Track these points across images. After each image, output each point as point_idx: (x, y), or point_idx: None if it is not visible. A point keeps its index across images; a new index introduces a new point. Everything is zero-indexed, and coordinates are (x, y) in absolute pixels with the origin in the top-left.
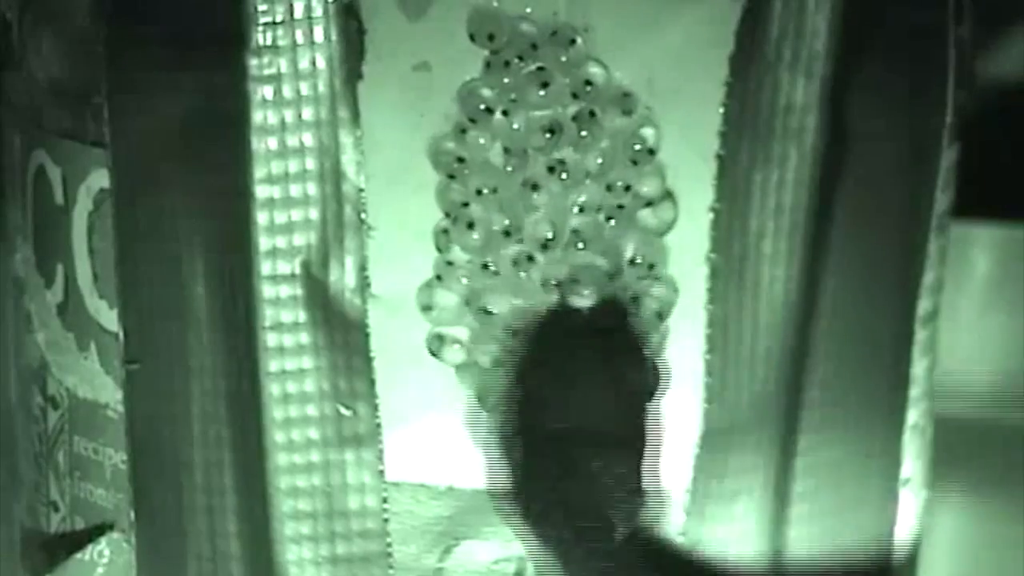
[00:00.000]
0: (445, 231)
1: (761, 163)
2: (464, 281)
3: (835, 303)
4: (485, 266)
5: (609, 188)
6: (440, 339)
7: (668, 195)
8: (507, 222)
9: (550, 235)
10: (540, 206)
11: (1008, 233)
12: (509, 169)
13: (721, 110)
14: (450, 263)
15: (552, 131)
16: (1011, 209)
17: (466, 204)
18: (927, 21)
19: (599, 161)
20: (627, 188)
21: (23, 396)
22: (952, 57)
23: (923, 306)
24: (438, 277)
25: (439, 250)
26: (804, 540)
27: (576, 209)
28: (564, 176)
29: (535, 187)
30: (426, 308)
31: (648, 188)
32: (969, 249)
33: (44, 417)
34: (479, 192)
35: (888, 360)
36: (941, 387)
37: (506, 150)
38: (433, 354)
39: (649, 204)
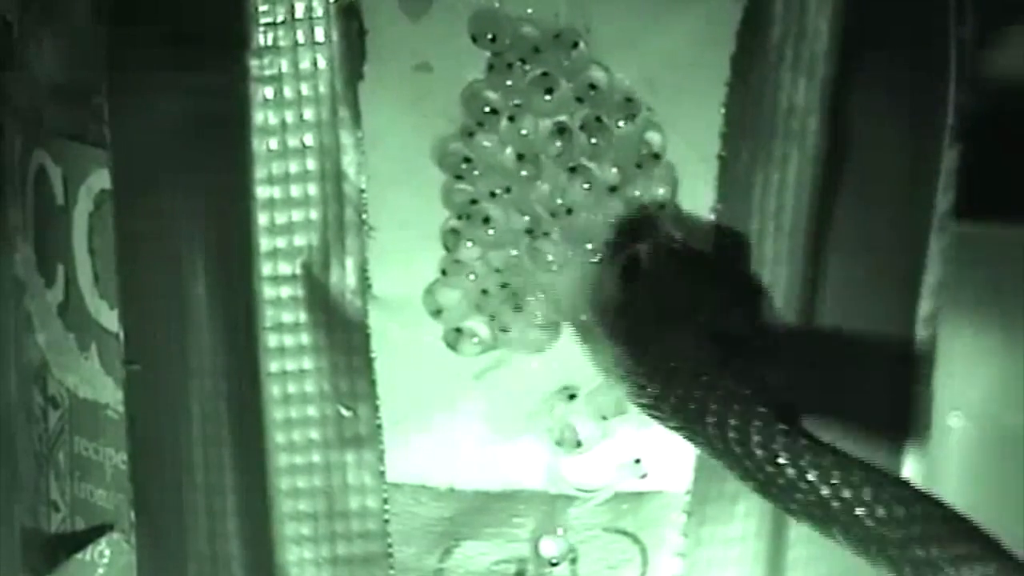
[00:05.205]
0: (454, 230)
1: (762, 164)
2: (472, 278)
3: (836, 304)
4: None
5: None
6: (458, 332)
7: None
8: (527, 219)
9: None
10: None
11: (1008, 233)
12: (524, 174)
13: (722, 111)
14: (458, 261)
15: (562, 130)
16: (1011, 209)
17: (475, 202)
18: (928, 22)
19: (613, 170)
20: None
21: (23, 396)
22: (953, 58)
23: (924, 307)
24: (443, 272)
25: (447, 249)
26: (805, 541)
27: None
28: (587, 186)
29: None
30: (436, 312)
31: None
32: (969, 250)
33: (44, 417)
34: (493, 195)
35: None
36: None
37: (520, 156)
38: (451, 347)
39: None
